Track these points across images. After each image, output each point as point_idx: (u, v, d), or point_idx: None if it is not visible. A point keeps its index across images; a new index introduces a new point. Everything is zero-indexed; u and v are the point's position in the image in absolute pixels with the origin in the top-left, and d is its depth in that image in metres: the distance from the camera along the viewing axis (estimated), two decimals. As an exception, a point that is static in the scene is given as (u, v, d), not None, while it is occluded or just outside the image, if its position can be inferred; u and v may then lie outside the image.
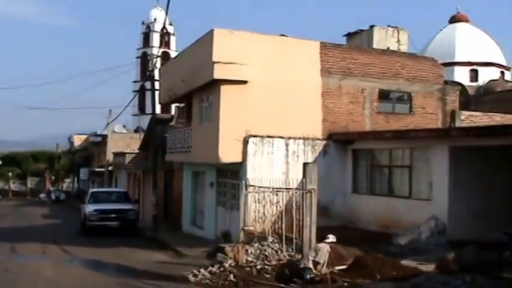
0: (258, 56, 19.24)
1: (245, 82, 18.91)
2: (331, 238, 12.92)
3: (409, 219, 17.26)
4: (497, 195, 16.94)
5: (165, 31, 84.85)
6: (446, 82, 24.27)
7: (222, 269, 13.50)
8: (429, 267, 12.96)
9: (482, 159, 16.83)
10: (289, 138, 19.54)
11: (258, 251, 14.13)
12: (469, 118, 22.86)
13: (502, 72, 43.70)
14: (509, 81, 41.49)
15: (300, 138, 19.71)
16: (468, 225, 15.84)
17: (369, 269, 12.70)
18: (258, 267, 13.58)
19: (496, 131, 15.92)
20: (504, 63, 44.79)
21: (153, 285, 13.51)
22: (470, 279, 11.22)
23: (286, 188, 15.94)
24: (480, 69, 42.85)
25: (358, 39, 24.89)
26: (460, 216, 16.34)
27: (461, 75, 41.10)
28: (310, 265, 12.44)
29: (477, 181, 16.79)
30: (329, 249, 12.70)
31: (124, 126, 61.58)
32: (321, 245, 12.88)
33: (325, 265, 12.55)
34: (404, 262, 13.62)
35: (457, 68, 41.64)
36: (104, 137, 50.99)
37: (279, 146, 19.36)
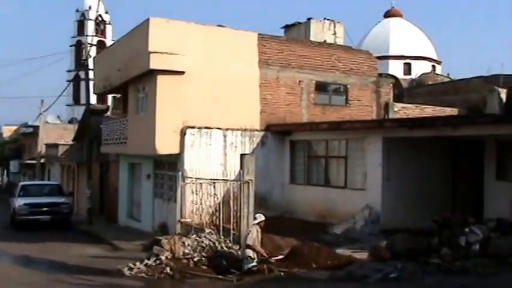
0: (196, 46, 19.07)
1: (182, 73, 18.71)
2: (259, 218, 12.98)
3: (344, 209, 17.62)
4: (428, 185, 17.53)
5: (100, 19, 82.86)
6: (380, 75, 24.88)
7: (158, 261, 13.33)
8: (363, 255, 13.27)
9: (415, 150, 17.36)
10: (227, 129, 19.50)
11: (195, 243, 14.03)
12: (402, 110, 23.53)
13: (434, 66, 45.18)
14: (441, 75, 42.89)
15: (238, 130, 19.71)
16: (401, 214, 16.30)
17: (305, 258, 12.85)
18: (195, 259, 13.48)
19: (427, 123, 16.46)
20: (435, 57, 46.32)
21: (86, 281, 13.18)
22: (401, 265, 11.56)
23: (223, 179, 15.91)
24: (413, 62, 44.16)
25: (296, 31, 25.10)
26: (393, 205, 16.80)
27: (395, 68, 42.24)
28: (250, 254, 12.49)
29: (410, 171, 17.30)
30: (258, 229, 12.79)
31: (58, 117, 59.78)
32: (250, 228, 12.98)
33: (258, 245, 12.62)
34: (339, 251, 13.89)
35: (391, 62, 42.75)
36: (36, 128, 49.28)
37: (217, 137, 19.29)
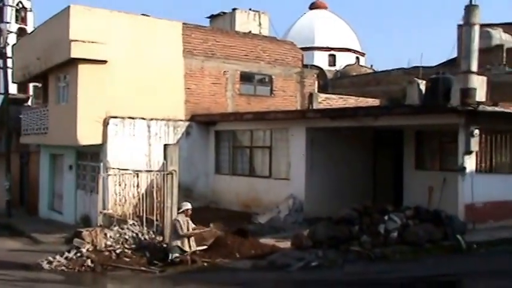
0: (119, 35, 18.66)
1: (105, 62, 18.27)
2: (184, 206, 12.94)
3: (269, 199, 17.81)
4: (351, 174, 17.96)
5: (21, 6, 79.45)
6: (306, 66, 25.23)
7: (79, 254, 13.01)
8: (286, 244, 13.44)
9: (338, 140, 17.73)
10: (151, 119, 19.24)
11: (118, 235, 13.78)
12: (326, 101, 23.97)
13: (358, 58, 46.24)
14: (364, 66, 43.99)
15: (162, 120, 19.49)
16: (324, 203, 16.62)
17: (228, 249, 12.89)
18: (118, 251, 13.25)
19: (348, 113, 16.84)
20: (359, 50, 47.42)
21: (3, 275, 12.68)
22: (322, 254, 11.82)
23: (147, 170, 15.71)
24: (338, 54, 44.97)
25: (221, 21, 25.02)
26: (316, 194, 17.14)
27: (321, 59, 42.91)
28: (178, 244, 12.40)
29: (333, 161, 17.67)
30: (185, 218, 12.74)
31: (-25, 106, 57.02)
32: (176, 217, 12.91)
33: (189, 231, 12.58)
34: (263, 240, 14.00)
35: (316, 53, 43.37)
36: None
37: (141, 127, 19.00)
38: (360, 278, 10.98)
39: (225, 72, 21.29)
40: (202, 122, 20.48)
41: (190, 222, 12.91)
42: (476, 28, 14.46)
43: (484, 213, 14.44)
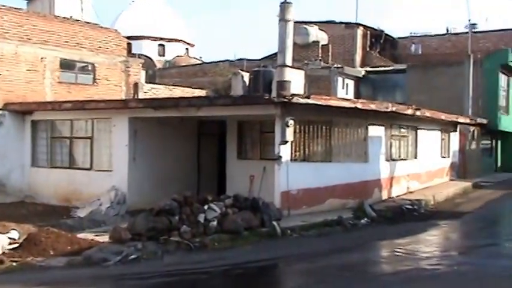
0: None
1: None
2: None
3: (90, 191, 17.17)
4: (175, 165, 17.95)
5: None
6: (134, 55, 24.69)
7: None
8: (106, 238, 12.99)
9: (163, 131, 17.61)
10: (-45, 108, 17.55)
11: None
12: (152, 91, 23.69)
13: (187, 49, 46.47)
14: (194, 57, 44.33)
15: (-32, 108, 17.86)
16: (147, 194, 16.35)
17: (42, 246, 12.09)
18: None
19: (171, 104, 16.75)
20: (189, 41, 47.66)
21: None
22: (141, 246, 11.60)
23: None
24: (167, 44, 44.80)
25: (40, 4, 23.51)
26: (139, 186, 16.85)
27: (150, 49, 42.49)
28: None
29: (157, 152, 17.50)
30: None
31: None
32: None
33: None
34: (81, 235, 13.37)
35: (146, 42, 42.82)
36: None
37: None
38: (179, 269, 10.96)
39: (42, 59, 20.00)
40: (16, 111, 19.09)
41: None
42: (291, 24, 15.15)
43: (298, 200, 15.27)
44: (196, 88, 26.88)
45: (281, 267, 11.51)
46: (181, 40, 45.98)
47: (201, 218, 12.86)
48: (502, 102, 31.65)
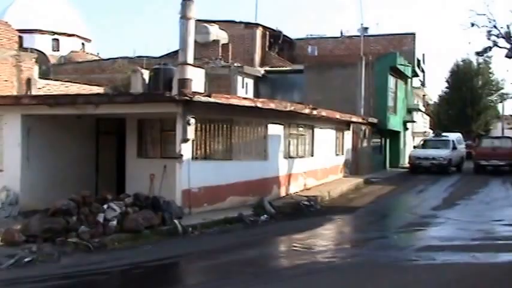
0: None
1: None
2: None
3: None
4: (73, 164, 17.40)
5: None
6: (26, 49, 23.62)
7: None
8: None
9: (60, 129, 17.02)
10: None
11: None
12: (46, 87, 22.81)
13: (83, 44, 45.10)
14: (91, 53, 43.10)
15: None
16: (43, 195, 15.72)
17: None
18: None
19: (67, 101, 16.24)
20: (86, 36, 46.27)
21: None
22: (36, 248, 11.21)
23: None
24: (62, 39, 43.27)
25: None
26: (34, 185, 16.20)
27: (44, 43, 40.85)
28: None
29: (53, 151, 16.89)
30: None
31: None
32: None
33: None
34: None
35: (39, 36, 41.16)
36: None
37: None
38: (77, 270, 10.68)
39: None
40: None
41: None
42: (192, 22, 15.17)
43: (200, 198, 15.35)
44: (94, 85, 26.17)
45: (182, 264, 11.56)
46: (77, 35, 44.52)
47: (101, 217, 12.63)
48: (390, 102, 33.36)
